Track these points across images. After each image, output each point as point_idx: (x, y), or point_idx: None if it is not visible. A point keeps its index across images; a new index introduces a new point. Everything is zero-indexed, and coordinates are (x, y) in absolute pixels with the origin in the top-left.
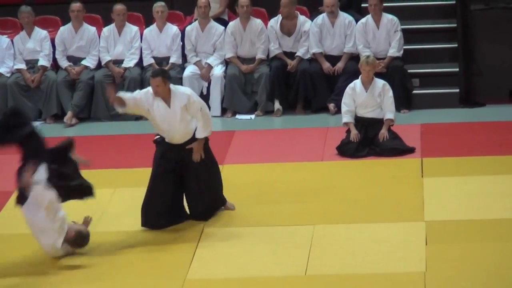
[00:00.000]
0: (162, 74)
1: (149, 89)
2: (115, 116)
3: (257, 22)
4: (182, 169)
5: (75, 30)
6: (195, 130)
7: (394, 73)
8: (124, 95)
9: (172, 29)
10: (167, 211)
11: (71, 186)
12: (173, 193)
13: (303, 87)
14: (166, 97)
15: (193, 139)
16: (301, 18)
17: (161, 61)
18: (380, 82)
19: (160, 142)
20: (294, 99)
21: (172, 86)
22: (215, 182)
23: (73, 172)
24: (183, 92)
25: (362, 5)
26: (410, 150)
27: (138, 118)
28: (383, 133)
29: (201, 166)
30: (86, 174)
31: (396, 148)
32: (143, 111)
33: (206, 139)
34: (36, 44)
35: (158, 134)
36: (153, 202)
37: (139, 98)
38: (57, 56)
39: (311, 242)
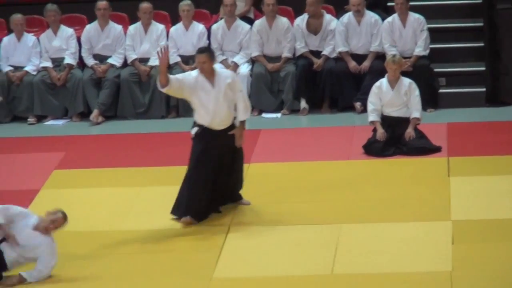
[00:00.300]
0: (208, 50)
1: (191, 72)
2: (141, 115)
3: (283, 20)
4: (220, 160)
5: (101, 28)
6: (234, 119)
7: (420, 72)
8: (170, 75)
9: (198, 27)
10: (209, 203)
11: None
12: (213, 184)
13: (329, 86)
14: (210, 75)
15: (232, 127)
16: (327, 16)
17: (187, 59)
18: (406, 81)
19: (200, 135)
20: (320, 98)
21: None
22: (241, 175)
23: None
24: (226, 71)
25: (388, 4)
26: (436, 149)
27: (164, 116)
28: (410, 132)
29: (235, 158)
30: (113, 172)
31: (423, 147)
32: (186, 92)
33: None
34: (62, 42)
35: (195, 125)
36: (199, 195)
37: (183, 80)
38: (83, 54)
39: (337, 241)
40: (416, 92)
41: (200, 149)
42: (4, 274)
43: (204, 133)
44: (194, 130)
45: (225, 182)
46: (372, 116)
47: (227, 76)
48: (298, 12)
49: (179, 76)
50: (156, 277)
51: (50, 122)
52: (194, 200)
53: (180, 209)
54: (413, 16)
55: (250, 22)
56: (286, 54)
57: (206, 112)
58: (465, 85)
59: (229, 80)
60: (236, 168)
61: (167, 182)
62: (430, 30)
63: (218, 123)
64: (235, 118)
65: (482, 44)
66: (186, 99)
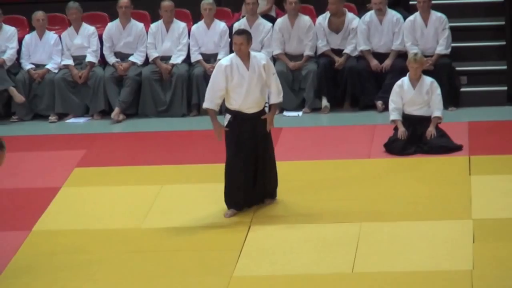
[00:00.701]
0: (247, 33)
1: (222, 62)
2: (162, 113)
3: (305, 19)
4: (255, 148)
5: (122, 26)
6: (265, 106)
7: (442, 70)
8: (214, 106)
9: (220, 25)
10: (250, 191)
11: None
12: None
13: (350, 84)
14: (245, 58)
15: (263, 112)
16: (349, 15)
17: (209, 57)
18: (428, 80)
19: (233, 123)
20: (342, 96)
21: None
22: (275, 170)
23: None
24: (260, 54)
25: (410, 2)
26: (457, 148)
27: (185, 114)
28: (431, 130)
29: (268, 149)
30: (134, 170)
31: (444, 146)
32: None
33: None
34: (83, 40)
35: (228, 111)
36: (238, 183)
37: (219, 91)
38: (104, 52)
39: (358, 240)
40: (438, 91)
41: (234, 138)
42: None
43: (236, 120)
44: (227, 118)
45: (262, 174)
46: (394, 115)
47: (261, 58)
48: (320, 11)
49: (215, 90)
50: (176, 275)
51: (71, 120)
52: (233, 191)
53: (231, 203)
54: (435, 15)
55: (272, 20)
56: (307, 52)
57: (238, 95)
58: (486, 83)
59: (263, 61)
60: (270, 160)
61: (188, 181)
62: (452, 28)
63: (249, 106)
64: (266, 105)
65: (503, 43)
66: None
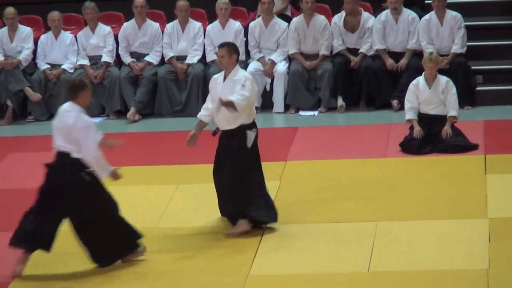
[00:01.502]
0: (229, 45)
1: (213, 77)
2: (178, 112)
3: (320, 18)
4: (220, 162)
5: (138, 26)
6: (241, 126)
7: (458, 69)
8: (203, 117)
9: (235, 25)
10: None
11: None
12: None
13: (366, 83)
14: (227, 72)
15: (237, 132)
16: (365, 14)
17: None
18: (443, 79)
19: (216, 133)
20: (357, 96)
21: (239, 68)
22: (238, 191)
23: None
24: (245, 72)
25: (426, 1)
26: (473, 147)
27: None
28: (446, 129)
29: (229, 166)
30: (150, 170)
31: (459, 145)
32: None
33: (255, 141)
34: (99, 40)
35: None
36: (218, 195)
37: (208, 101)
38: (120, 52)
39: (374, 239)
40: (453, 90)
41: (217, 148)
42: None
43: (218, 132)
44: (214, 129)
45: (222, 191)
46: (409, 114)
47: (239, 76)
48: (336, 10)
49: (206, 102)
50: (192, 275)
51: None
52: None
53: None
54: (450, 14)
55: (287, 20)
56: (323, 51)
57: (213, 107)
58: (502, 82)
59: (239, 78)
60: (229, 180)
61: (203, 180)
62: (467, 27)
63: (221, 120)
64: (245, 128)
65: None
66: None
